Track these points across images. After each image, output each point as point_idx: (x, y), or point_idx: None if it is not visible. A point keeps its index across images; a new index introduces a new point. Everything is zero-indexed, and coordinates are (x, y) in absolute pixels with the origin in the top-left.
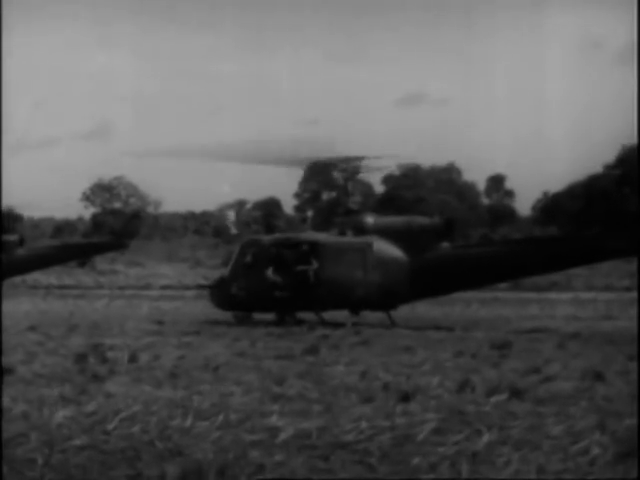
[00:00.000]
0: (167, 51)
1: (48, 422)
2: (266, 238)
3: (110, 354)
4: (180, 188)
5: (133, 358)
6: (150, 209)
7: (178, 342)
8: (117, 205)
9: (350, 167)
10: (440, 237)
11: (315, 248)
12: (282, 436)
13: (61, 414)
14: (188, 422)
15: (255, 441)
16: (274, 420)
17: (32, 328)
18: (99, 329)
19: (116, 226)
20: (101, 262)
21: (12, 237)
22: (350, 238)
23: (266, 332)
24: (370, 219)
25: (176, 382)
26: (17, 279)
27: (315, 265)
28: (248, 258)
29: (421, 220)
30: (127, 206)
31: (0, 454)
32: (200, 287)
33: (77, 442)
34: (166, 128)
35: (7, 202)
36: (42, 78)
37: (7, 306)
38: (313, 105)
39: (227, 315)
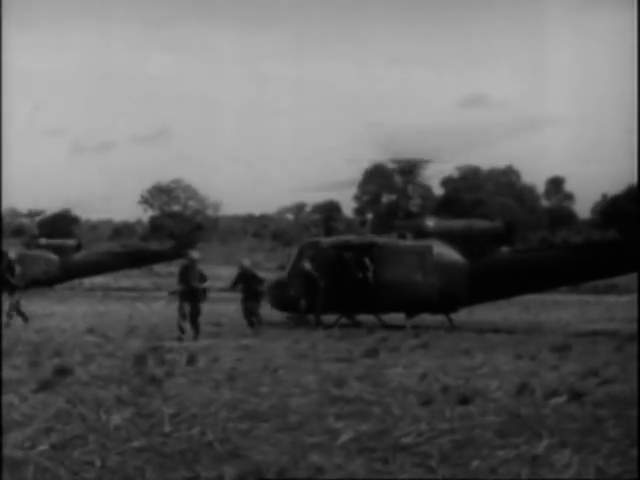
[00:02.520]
0: (227, 53)
1: (105, 424)
2: (325, 240)
3: (168, 356)
4: (239, 191)
5: (191, 360)
6: (209, 212)
7: (237, 344)
8: (176, 208)
9: (411, 169)
10: (500, 241)
11: (374, 251)
12: (341, 438)
13: (119, 416)
14: (247, 424)
15: (314, 443)
16: (333, 422)
17: (90, 330)
18: (157, 331)
19: (175, 229)
20: (159, 264)
21: (70, 242)
22: (410, 241)
23: (326, 334)
24: (430, 222)
25: (234, 384)
26: (74, 281)
27: (374, 268)
28: (306, 260)
29: (481, 224)
30: (186, 209)
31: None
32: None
33: (135, 444)
34: (225, 131)
35: (64, 204)
36: (100, 80)
37: (64, 308)
38: (376, 107)
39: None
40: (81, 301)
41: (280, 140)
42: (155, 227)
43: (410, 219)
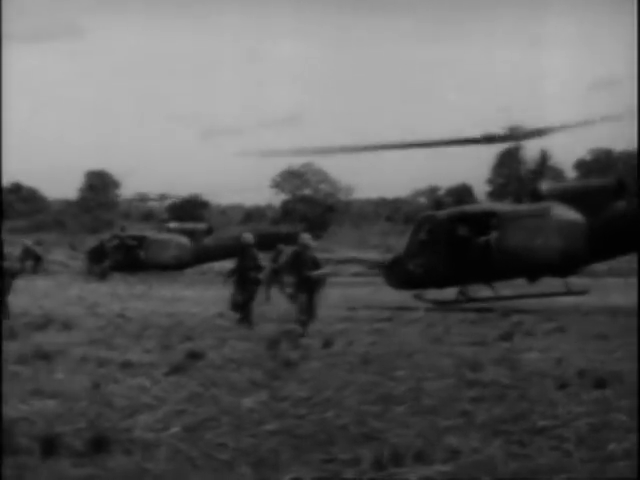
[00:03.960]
0: (359, 37)
1: (238, 407)
2: (441, 213)
3: (303, 340)
4: (373, 174)
5: (326, 344)
6: (341, 196)
7: (370, 328)
8: (307, 192)
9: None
10: (615, 196)
11: (492, 218)
12: (477, 421)
13: (252, 399)
14: (381, 407)
15: (450, 426)
16: (469, 406)
17: (220, 315)
18: (291, 316)
19: (308, 213)
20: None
21: (200, 225)
22: (527, 205)
23: (460, 318)
24: (545, 185)
25: (369, 367)
26: (205, 265)
27: (494, 235)
28: (423, 234)
29: (595, 181)
30: (317, 193)
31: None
32: (376, 266)
33: (268, 427)
34: (357, 114)
35: (195, 189)
36: (229, 65)
37: (194, 292)
38: (505, 92)
39: (420, 301)
40: (210, 286)
41: (410, 123)
42: (287, 211)
43: (525, 183)
